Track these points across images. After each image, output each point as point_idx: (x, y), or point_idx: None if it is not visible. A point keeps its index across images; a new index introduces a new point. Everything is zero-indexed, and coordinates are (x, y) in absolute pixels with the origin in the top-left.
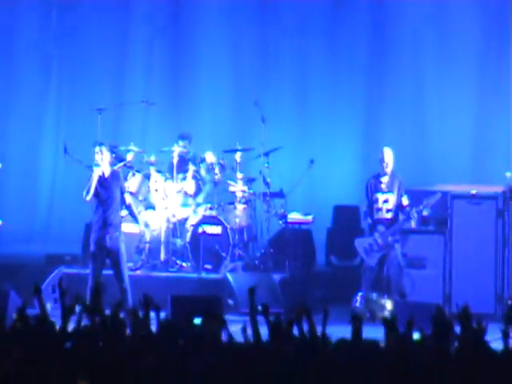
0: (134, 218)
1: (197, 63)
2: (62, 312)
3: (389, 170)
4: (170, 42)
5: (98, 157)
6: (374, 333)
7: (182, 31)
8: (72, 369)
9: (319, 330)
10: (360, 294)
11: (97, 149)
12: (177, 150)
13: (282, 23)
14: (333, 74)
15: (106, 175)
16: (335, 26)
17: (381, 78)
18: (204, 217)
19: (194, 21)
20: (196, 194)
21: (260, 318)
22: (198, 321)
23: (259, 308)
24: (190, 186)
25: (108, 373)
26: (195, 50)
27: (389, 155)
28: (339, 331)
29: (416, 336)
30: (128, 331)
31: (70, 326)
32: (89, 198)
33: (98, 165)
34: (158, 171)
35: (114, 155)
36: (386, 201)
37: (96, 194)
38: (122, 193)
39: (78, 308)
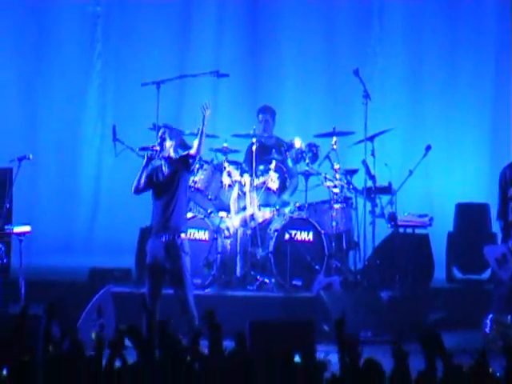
0: None
1: (280, 25)
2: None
3: None
4: None
5: (157, 143)
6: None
7: None
8: None
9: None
10: (490, 316)
11: (159, 133)
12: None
13: None
14: (453, 42)
15: (168, 167)
16: None
17: None
18: (291, 219)
19: None
20: (281, 191)
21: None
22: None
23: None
24: (273, 180)
25: None
26: (279, 8)
27: None
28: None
29: None
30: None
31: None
32: (138, 191)
33: (155, 150)
34: (233, 162)
35: (175, 141)
36: None
37: (155, 192)
38: (188, 190)
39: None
